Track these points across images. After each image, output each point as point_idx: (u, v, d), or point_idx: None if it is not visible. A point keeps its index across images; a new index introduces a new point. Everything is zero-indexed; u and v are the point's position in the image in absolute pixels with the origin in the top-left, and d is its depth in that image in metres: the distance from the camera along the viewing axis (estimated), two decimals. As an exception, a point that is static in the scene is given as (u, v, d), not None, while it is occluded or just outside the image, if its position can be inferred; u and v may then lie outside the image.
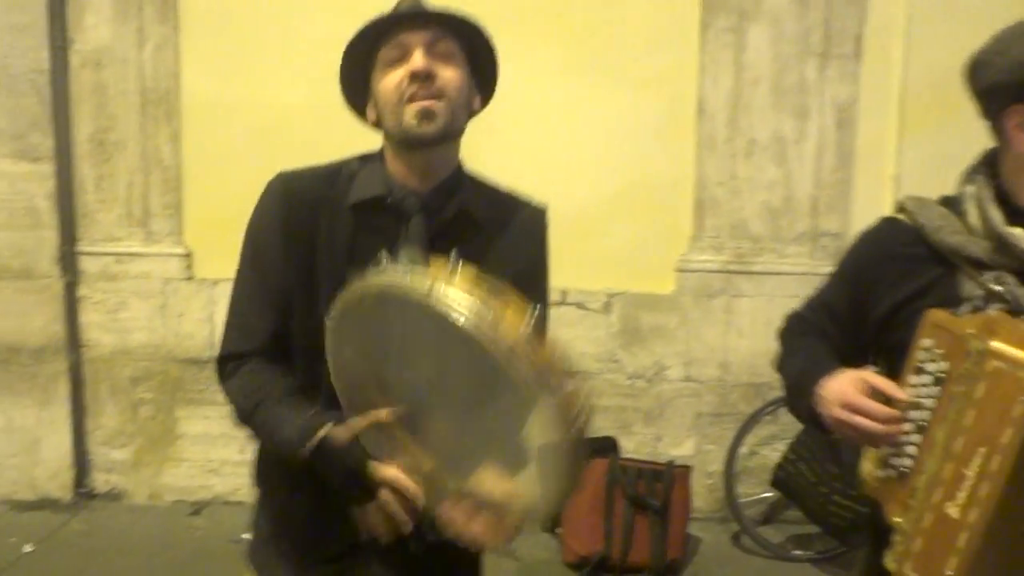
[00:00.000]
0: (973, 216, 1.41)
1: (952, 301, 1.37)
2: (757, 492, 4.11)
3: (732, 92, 4.09)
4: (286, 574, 1.52)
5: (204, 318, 4.16)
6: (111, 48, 4.07)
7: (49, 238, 4.12)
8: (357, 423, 1.27)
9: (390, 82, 1.37)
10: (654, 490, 3.70)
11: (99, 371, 4.22)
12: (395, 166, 1.44)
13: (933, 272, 1.42)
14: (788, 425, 3.95)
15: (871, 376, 1.34)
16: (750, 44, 4.07)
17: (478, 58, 1.45)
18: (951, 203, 1.46)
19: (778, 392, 3.91)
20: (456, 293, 1.07)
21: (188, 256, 4.17)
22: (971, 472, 1.21)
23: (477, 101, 1.47)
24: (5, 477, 4.22)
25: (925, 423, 1.29)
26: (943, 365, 1.28)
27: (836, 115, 4.11)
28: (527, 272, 1.47)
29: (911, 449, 1.30)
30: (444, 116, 1.36)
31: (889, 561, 1.31)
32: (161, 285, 4.18)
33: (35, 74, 4.04)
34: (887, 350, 1.47)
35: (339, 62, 1.45)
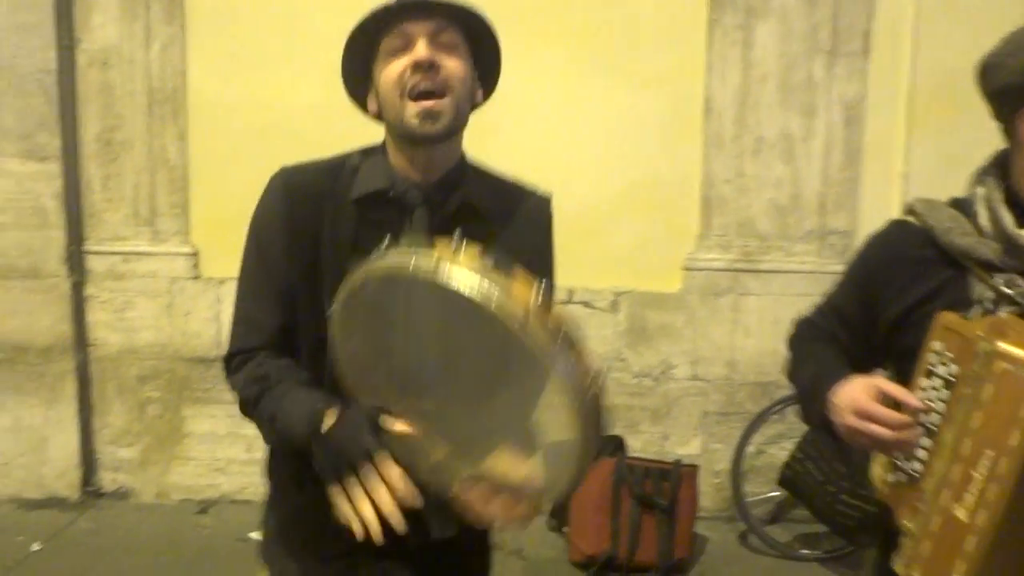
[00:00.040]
0: (983, 218, 1.40)
1: (963, 303, 1.36)
2: (764, 491, 4.10)
3: (739, 89, 4.08)
4: (298, 570, 1.52)
5: (211, 317, 4.17)
6: (118, 48, 4.07)
7: (56, 237, 4.12)
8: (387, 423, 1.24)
9: (392, 72, 1.35)
10: (661, 489, 3.69)
11: (106, 370, 4.23)
12: (397, 159, 1.43)
13: (943, 274, 1.41)
14: (795, 424, 3.94)
15: (883, 382, 1.33)
16: (758, 41, 4.06)
17: (481, 49, 1.44)
18: (961, 205, 1.45)
19: (785, 391, 3.95)
20: (462, 269, 1.06)
21: (195, 255, 4.18)
22: (979, 474, 1.20)
23: (479, 94, 1.46)
24: (13, 476, 4.23)
25: (935, 427, 1.28)
26: (953, 368, 1.27)
27: (844, 112, 4.09)
28: (533, 262, 1.45)
29: (921, 453, 1.29)
30: (448, 114, 1.35)
31: (898, 564, 1.30)
32: (168, 284, 4.18)
33: (42, 74, 4.04)
34: (898, 353, 1.46)
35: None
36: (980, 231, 1.40)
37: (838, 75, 4.07)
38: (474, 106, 1.45)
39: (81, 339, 4.18)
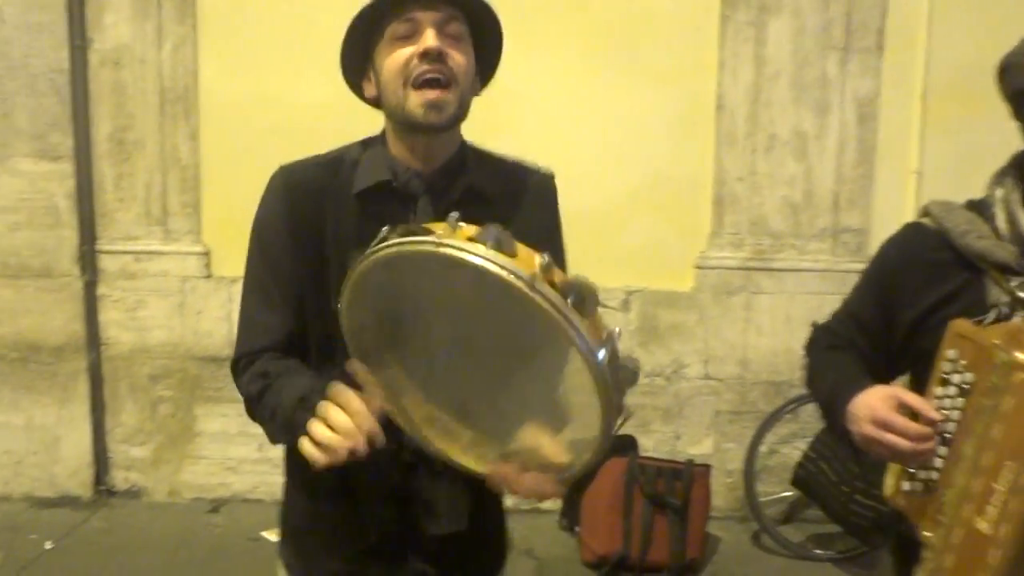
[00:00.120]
0: (1001, 220, 1.39)
1: (979, 307, 1.35)
2: (777, 491, 4.08)
3: (752, 87, 4.05)
4: (317, 568, 1.52)
5: (222, 316, 4.17)
6: (130, 47, 4.08)
7: (69, 237, 4.14)
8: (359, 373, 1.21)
9: (398, 59, 1.34)
10: (673, 489, 3.67)
11: (118, 369, 4.24)
12: (398, 148, 1.42)
13: (960, 278, 1.40)
14: (808, 423, 3.92)
15: (902, 392, 1.32)
16: (770, 38, 4.03)
17: (482, 40, 1.43)
18: (978, 207, 1.44)
19: (798, 390, 3.93)
20: (463, 245, 1.04)
21: (206, 254, 4.18)
22: (1001, 486, 1.19)
23: (477, 84, 1.45)
24: (26, 475, 4.25)
25: (950, 435, 1.27)
26: (968, 376, 1.26)
27: (857, 110, 4.06)
28: (542, 240, 1.46)
29: (937, 462, 1.28)
30: (453, 104, 1.34)
31: None
32: (179, 283, 4.19)
33: (55, 73, 4.06)
34: (914, 357, 1.45)
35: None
36: (997, 233, 1.38)
37: (852, 72, 4.04)
38: (473, 95, 1.44)
39: (93, 338, 4.20)
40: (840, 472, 3.56)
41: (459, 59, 1.35)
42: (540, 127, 3.93)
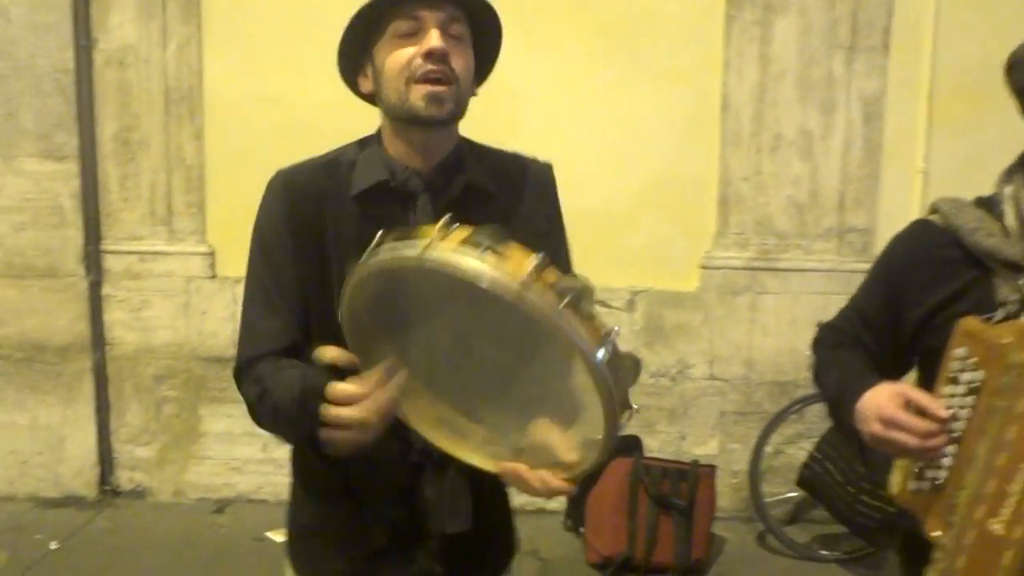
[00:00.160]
0: (1010, 217, 1.38)
1: (987, 305, 1.34)
2: (783, 492, 4.07)
3: (758, 86, 4.05)
4: (325, 568, 1.51)
5: (227, 316, 4.17)
6: (135, 47, 4.08)
7: (74, 237, 4.14)
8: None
9: (400, 57, 1.33)
10: (678, 490, 3.67)
11: (123, 369, 4.25)
12: (395, 146, 1.41)
13: (968, 275, 1.39)
14: (814, 424, 3.92)
15: (910, 390, 1.32)
16: (776, 37, 4.02)
17: (481, 40, 1.42)
18: (987, 204, 1.43)
19: (804, 390, 3.92)
20: (452, 251, 1.03)
21: (211, 254, 4.18)
22: (1015, 488, 1.18)
23: (474, 85, 1.44)
24: (31, 475, 4.26)
25: (959, 434, 1.26)
26: (978, 375, 1.25)
27: (863, 109, 4.05)
28: (545, 232, 1.47)
29: (946, 460, 1.28)
30: (453, 101, 1.34)
31: None
32: (184, 283, 4.19)
33: (60, 73, 4.06)
34: (922, 355, 1.44)
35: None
36: (1006, 230, 1.37)
37: (857, 71, 4.03)
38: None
39: (98, 338, 4.20)
40: (846, 472, 3.55)
41: (461, 61, 1.35)
42: (544, 127, 3.92)
